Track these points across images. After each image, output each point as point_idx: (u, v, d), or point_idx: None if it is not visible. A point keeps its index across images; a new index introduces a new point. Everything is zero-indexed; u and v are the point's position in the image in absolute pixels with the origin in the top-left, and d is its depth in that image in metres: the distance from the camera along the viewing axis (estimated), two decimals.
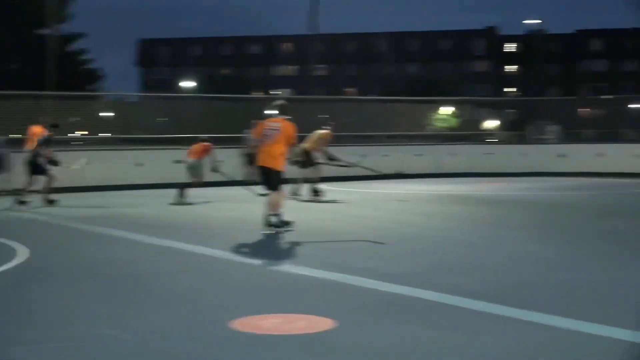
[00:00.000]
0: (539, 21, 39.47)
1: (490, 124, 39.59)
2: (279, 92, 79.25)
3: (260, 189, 12.57)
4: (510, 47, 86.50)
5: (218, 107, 25.15)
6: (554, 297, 6.45)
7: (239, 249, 9.36)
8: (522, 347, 4.99)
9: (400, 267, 7.96)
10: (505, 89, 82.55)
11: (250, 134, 12.96)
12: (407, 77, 72.19)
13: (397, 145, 26.43)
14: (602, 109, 40.92)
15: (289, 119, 10.95)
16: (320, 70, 73.56)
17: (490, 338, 5.22)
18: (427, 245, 9.76)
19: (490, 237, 10.53)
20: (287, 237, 10.09)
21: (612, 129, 31.55)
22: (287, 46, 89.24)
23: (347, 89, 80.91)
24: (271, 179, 10.70)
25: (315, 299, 6.50)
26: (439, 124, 35.70)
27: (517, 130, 38.11)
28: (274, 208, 10.59)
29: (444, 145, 27.95)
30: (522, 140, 35.07)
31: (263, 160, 10.71)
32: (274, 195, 10.62)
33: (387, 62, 77.51)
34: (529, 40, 75.05)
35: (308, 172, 16.15)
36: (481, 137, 33.99)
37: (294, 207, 12.86)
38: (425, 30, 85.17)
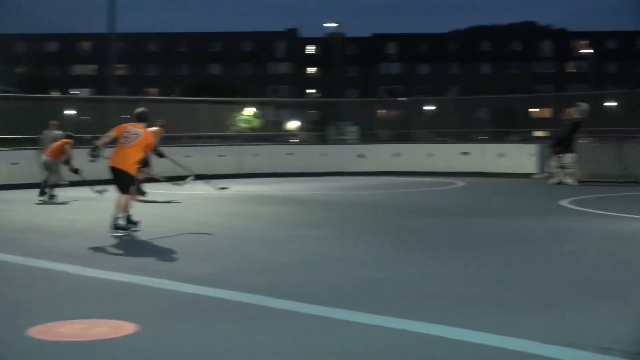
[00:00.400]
0: (337, 24, 40.48)
1: (292, 124, 40.18)
2: (77, 91, 76.70)
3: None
4: (310, 49, 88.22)
5: (15, 107, 24.00)
6: (356, 294, 6.58)
7: (42, 254, 8.92)
8: (328, 344, 5.05)
9: (204, 268, 7.90)
10: (307, 90, 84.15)
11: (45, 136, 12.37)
12: (209, 78, 71.97)
13: (200, 146, 26.26)
14: (398, 110, 42.53)
15: (148, 127, 11.21)
16: (121, 70, 71.78)
17: (296, 336, 5.26)
18: (230, 245, 9.74)
19: (293, 236, 10.66)
20: (97, 241, 9.73)
21: (407, 130, 32.90)
22: (86, 45, 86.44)
23: (148, 89, 79.48)
24: (123, 181, 10.58)
25: (119, 303, 6.31)
26: (242, 125, 35.80)
27: (318, 131, 38.91)
28: (122, 210, 10.47)
29: (246, 146, 28.06)
30: (322, 140, 35.81)
31: (117, 161, 10.54)
32: (122, 197, 10.50)
33: (189, 62, 76.99)
34: (328, 42, 77.04)
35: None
36: (283, 138, 34.42)
37: (97, 208, 12.47)
38: (226, 31, 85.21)
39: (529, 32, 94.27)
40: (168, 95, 59.76)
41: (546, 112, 35.40)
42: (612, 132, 27.00)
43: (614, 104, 33.24)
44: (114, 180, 10.72)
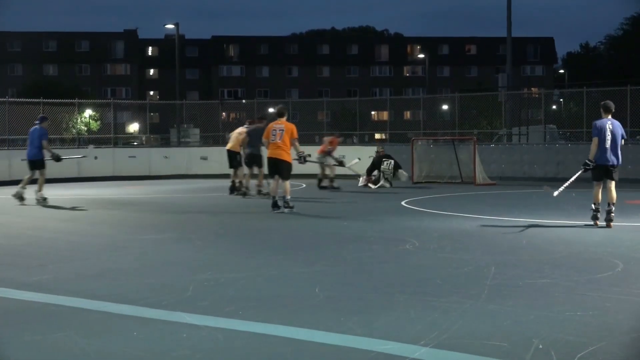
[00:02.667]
0: (176, 26, 39.95)
1: (133, 127, 39.40)
2: None
3: None
4: (150, 50, 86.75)
5: None
6: (200, 297, 6.52)
7: None
8: (172, 348, 4.96)
9: (42, 274, 7.61)
10: (151, 92, 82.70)
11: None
12: (45, 79, 69.41)
13: None
14: (241, 113, 42.49)
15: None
16: None
17: (139, 341, 5.14)
18: (70, 250, 9.44)
19: (134, 240, 10.45)
20: None
21: None
22: None
23: None
24: (282, 169, 13.69)
25: None
26: (80, 128, 34.81)
27: (159, 134, 38.40)
28: (286, 192, 13.64)
29: (85, 149, 27.30)
30: (165, 143, 35.40)
31: (275, 153, 13.62)
32: (286, 182, 13.69)
33: (23, 62, 73.96)
34: (167, 44, 75.99)
35: None
36: (124, 141, 33.73)
37: None
38: (63, 31, 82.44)
39: (366, 36, 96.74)
40: (1, 97, 57.25)
41: (385, 115, 36.39)
42: (445, 134, 28.17)
43: (447, 107, 34.68)
44: (273, 169, 13.72)
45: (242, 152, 17.80)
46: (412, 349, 4.79)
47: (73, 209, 15.23)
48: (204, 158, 27.34)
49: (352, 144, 32.50)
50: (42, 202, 15.87)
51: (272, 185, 14.04)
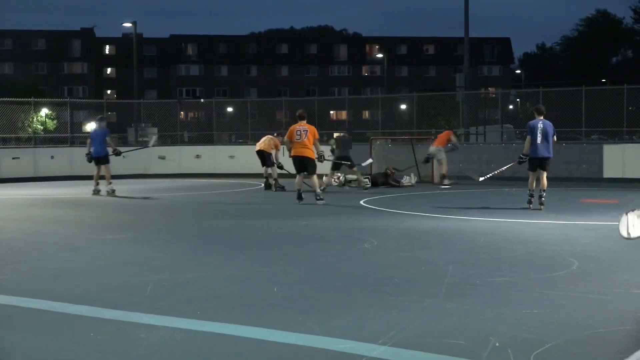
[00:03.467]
0: (134, 24, 39.63)
1: (90, 126, 39.03)
2: None
3: None
4: (108, 49, 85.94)
5: None
6: (159, 297, 6.48)
7: None
8: (131, 349, 4.92)
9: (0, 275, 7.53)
10: (108, 91, 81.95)
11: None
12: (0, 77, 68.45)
13: None
14: (198, 112, 42.28)
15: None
16: None
17: (97, 342, 5.09)
18: (26, 251, 9.32)
19: (92, 240, 10.34)
20: None
21: (208, 131, 32.87)
22: None
23: None
24: (308, 165, 15.20)
25: None
26: (36, 127, 34.38)
27: (117, 133, 38.04)
28: (318, 186, 15.68)
29: (42, 148, 26.99)
30: (123, 142, 35.08)
31: (301, 152, 15.20)
32: (314, 177, 15.42)
33: None
34: (125, 43, 75.34)
35: None
36: (81, 140, 33.37)
37: None
38: (18, 29, 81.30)
39: (325, 36, 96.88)
40: None
41: (343, 115, 36.47)
42: (404, 133, 28.31)
43: (405, 106, 34.85)
44: (300, 167, 15.29)
45: (273, 154, 19.59)
46: (370, 348, 4.81)
47: (30, 208, 15.04)
48: (162, 158, 27.15)
49: None
50: (112, 193, 18.15)
51: (298, 180, 15.58)
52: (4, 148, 26.79)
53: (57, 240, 10.25)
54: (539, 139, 13.56)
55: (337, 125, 44.42)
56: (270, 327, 5.36)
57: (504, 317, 5.59)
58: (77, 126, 41.98)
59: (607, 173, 21.81)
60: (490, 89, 52.15)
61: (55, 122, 38.71)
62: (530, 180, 13.93)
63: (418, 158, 22.59)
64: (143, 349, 4.92)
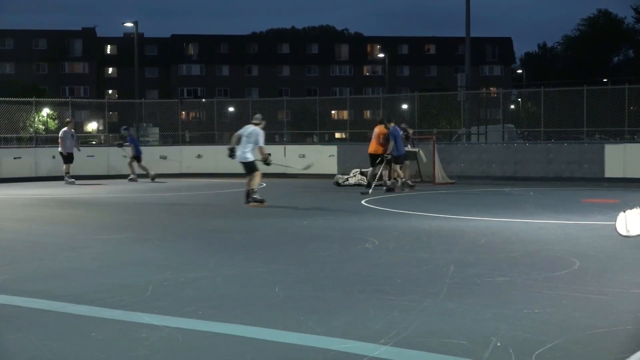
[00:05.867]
0: (135, 24, 39.66)
1: (92, 126, 39.03)
2: None
3: None
4: (109, 49, 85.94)
5: None
6: (159, 297, 6.47)
7: None
8: (131, 349, 4.92)
9: (0, 275, 7.54)
10: (110, 91, 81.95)
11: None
12: (1, 77, 68.43)
13: None
14: (199, 112, 42.25)
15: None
16: None
17: (97, 342, 5.09)
18: (27, 251, 9.33)
19: (93, 240, 10.34)
20: None
21: (209, 131, 32.85)
22: None
23: None
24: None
25: None
26: (38, 127, 34.39)
27: (118, 133, 38.03)
28: (394, 175, 18.43)
29: (43, 148, 27.00)
30: (124, 142, 35.04)
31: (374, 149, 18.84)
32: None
33: None
34: (126, 43, 75.32)
35: None
36: (82, 140, 33.37)
37: None
38: (19, 29, 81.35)
39: (326, 36, 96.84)
40: None
41: (344, 114, 36.45)
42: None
43: (407, 106, 34.84)
44: (373, 161, 18.61)
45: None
46: (371, 348, 4.81)
47: (30, 208, 15.04)
48: (164, 157, 27.16)
49: (312, 143, 32.52)
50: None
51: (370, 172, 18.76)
52: (5, 148, 26.80)
53: (58, 240, 10.26)
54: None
55: (338, 125, 44.41)
56: (271, 326, 5.36)
57: (505, 316, 5.58)
58: (79, 126, 41.97)
59: (609, 173, 21.79)
60: (492, 89, 52.11)
61: (56, 122, 38.73)
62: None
63: (420, 158, 22.57)
64: (144, 349, 4.92)
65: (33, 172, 24.69)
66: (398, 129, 18.85)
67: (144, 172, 24.17)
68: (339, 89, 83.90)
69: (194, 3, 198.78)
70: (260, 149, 15.21)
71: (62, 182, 23.00)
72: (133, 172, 24.15)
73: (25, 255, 9.01)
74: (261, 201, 15.16)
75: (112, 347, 5.00)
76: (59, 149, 23.15)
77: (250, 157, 15.34)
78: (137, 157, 24.32)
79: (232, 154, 15.45)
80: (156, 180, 23.98)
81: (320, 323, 5.44)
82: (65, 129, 23.47)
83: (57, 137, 23.73)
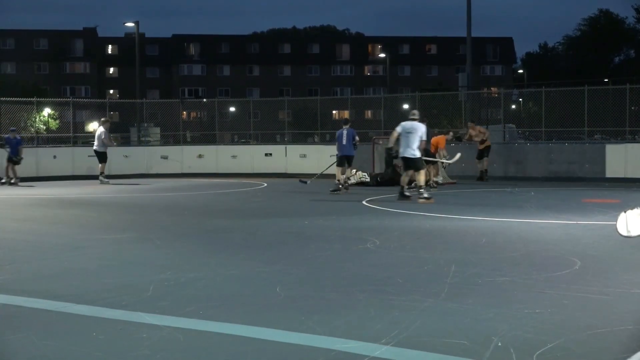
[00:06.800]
0: (136, 24, 39.69)
1: (93, 126, 39.03)
2: None
3: None
4: (110, 49, 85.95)
5: None
6: (160, 296, 6.47)
7: None
8: (132, 348, 4.92)
9: (1, 275, 7.50)
10: (111, 91, 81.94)
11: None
12: (2, 77, 68.43)
13: None
14: (200, 112, 42.26)
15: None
16: None
17: (98, 342, 5.09)
18: (28, 250, 9.32)
19: (94, 240, 10.33)
20: None
21: (210, 131, 32.86)
22: None
23: None
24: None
25: None
26: (39, 126, 34.41)
27: (119, 132, 38.05)
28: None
29: (44, 148, 27.01)
30: (125, 142, 35.10)
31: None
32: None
33: None
34: (127, 42, 75.31)
35: None
36: (83, 140, 33.38)
37: None
38: (20, 29, 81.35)
39: (327, 35, 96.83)
40: None
41: (345, 114, 36.48)
42: None
43: (408, 106, 34.83)
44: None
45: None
46: (372, 348, 4.81)
47: (32, 208, 15.04)
48: (165, 157, 27.17)
49: (313, 143, 32.50)
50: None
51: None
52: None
53: (59, 240, 10.25)
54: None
55: (339, 125, 44.40)
56: (272, 326, 5.36)
57: (506, 316, 5.58)
58: (80, 126, 42.00)
59: (610, 173, 21.78)
60: (493, 89, 52.08)
61: (57, 121, 38.76)
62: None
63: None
64: (145, 349, 4.92)
65: (34, 172, 24.66)
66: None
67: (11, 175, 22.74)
68: (340, 89, 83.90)
69: (195, 3, 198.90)
70: (422, 142, 15.60)
71: (62, 182, 23.01)
72: (8, 175, 22.75)
73: (26, 255, 9.01)
74: (428, 198, 15.39)
75: (113, 346, 5.00)
76: (95, 147, 22.90)
77: (417, 153, 15.60)
78: (11, 159, 22.79)
79: (392, 152, 15.88)
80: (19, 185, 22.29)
81: (321, 323, 5.44)
82: (102, 128, 23.05)
83: (58, 137, 23.72)
